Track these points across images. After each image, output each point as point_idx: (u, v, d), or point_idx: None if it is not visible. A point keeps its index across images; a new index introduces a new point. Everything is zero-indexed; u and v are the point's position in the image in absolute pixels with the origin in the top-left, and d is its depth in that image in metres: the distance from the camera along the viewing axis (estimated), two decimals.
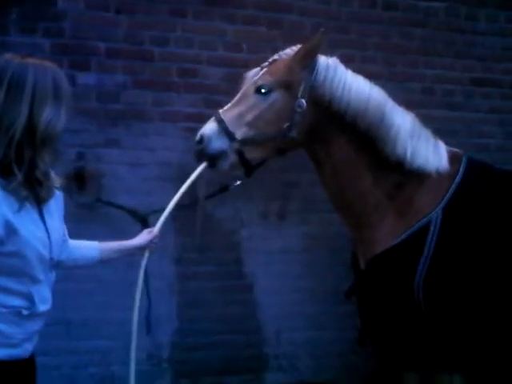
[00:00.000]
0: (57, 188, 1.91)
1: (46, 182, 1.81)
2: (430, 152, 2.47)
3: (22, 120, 1.70)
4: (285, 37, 4.01)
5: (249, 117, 2.46)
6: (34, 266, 1.76)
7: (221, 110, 2.50)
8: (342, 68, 2.51)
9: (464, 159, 2.53)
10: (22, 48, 3.54)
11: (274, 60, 2.58)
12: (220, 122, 2.44)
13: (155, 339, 3.80)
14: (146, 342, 3.77)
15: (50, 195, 1.84)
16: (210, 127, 2.45)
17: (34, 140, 1.72)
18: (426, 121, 2.57)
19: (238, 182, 2.61)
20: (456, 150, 2.63)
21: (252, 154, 2.49)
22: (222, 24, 4.00)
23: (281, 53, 2.60)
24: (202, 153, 2.45)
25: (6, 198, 1.69)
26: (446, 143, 2.62)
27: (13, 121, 1.70)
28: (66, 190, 3.53)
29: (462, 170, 2.47)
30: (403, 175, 2.46)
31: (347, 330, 3.82)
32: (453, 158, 2.53)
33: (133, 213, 3.67)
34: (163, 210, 2.36)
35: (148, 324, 2.38)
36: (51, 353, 3.33)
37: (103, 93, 3.80)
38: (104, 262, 2.28)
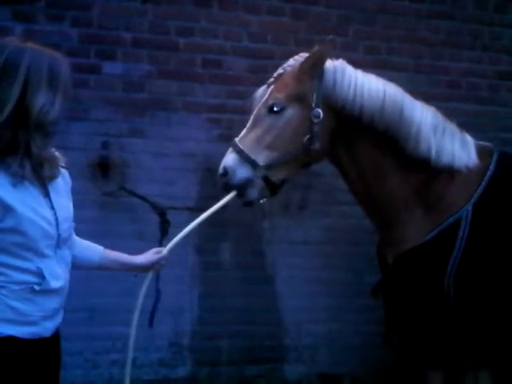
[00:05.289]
0: (62, 166, 1.94)
1: (49, 162, 1.84)
2: (456, 147, 2.42)
3: (13, 102, 1.72)
4: (310, 28, 3.99)
5: (267, 139, 2.38)
6: (38, 242, 1.77)
7: (237, 139, 2.42)
8: (350, 69, 2.43)
9: (495, 153, 2.48)
10: (50, 36, 3.58)
11: (280, 74, 2.48)
12: (239, 151, 2.36)
13: (177, 327, 3.85)
14: (168, 330, 3.82)
15: (54, 174, 1.87)
16: (231, 158, 2.37)
17: (27, 124, 1.74)
18: (452, 114, 2.54)
19: (264, 200, 2.50)
20: (486, 144, 2.58)
21: (278, 176, 2.41)
22: (247, 15, 3.99)
23: (285, 65, 2.51)
24: (228, 185, 2.39)
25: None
26: (472, 137, 2.59)
27: (5, 103, 1.72)
28: (91, 178, 3.66)
29: (493, 164, 2.42)
30: (431, 172, 2.41)
31: (366, 323, 3.84)
32: (483, 153, 2.48)
33: (152, 205, 3.70)
34: (182, 206, 2.33)
35: (151, 318, 2.35)
36: (74, 338, 3.37)
37: (128, 82, 3.82)
38: (101, 269, 2.22)
